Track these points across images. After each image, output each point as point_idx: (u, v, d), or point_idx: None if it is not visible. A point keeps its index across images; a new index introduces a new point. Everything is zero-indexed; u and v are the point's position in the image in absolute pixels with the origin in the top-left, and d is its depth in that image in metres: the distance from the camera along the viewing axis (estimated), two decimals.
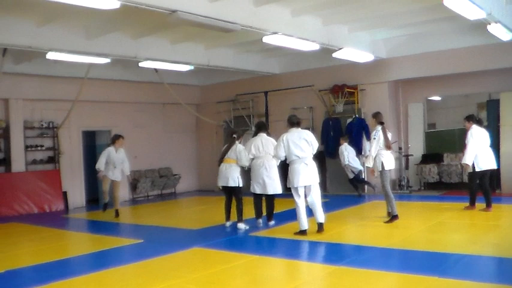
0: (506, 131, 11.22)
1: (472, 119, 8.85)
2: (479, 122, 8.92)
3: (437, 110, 13.31)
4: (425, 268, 5.51)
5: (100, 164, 10.22)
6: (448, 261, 5.73)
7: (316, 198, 7.37)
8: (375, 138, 8.05)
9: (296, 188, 7.32)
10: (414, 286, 4.97)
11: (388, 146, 8.11)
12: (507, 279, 4.87)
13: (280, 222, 8.55)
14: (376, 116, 8.38)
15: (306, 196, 7.42)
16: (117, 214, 10.57)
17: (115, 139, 10.52)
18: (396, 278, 5.20)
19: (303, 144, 7.28)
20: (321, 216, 7.38)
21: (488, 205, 8.65)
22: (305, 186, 7.33)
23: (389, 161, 8.15)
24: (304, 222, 7.34)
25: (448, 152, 12.40)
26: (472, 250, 6.07)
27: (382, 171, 8.07)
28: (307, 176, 7.28)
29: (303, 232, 7.33)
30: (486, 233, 7.28)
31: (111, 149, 10.41)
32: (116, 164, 10.41)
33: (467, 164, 8.56)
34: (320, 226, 7.38)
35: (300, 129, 7.47)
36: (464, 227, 7.83)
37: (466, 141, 8.65)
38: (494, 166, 8.89)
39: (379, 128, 8.15)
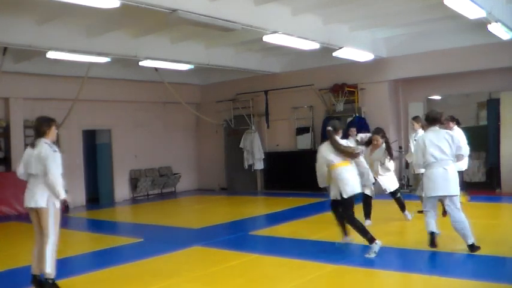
0: (506, 130, 11.21)
1: (453, 119, 8.62)
2: (458, 122, 8.68)
3: (437, 109, 13.26)
4: (425, 267, 5.52)
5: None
6: (448, 260, 5.74)
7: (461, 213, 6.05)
8: None
9: (429, 198, 6.13)
10: (414, 285, 4.98)
11: None
12: (507, 278, 4.88)
13: (280, 222, 8.55)
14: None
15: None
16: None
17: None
18: (396, 277, 5.20)
19: (443, 144, 6.03)
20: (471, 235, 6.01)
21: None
22: (444, 197, 6.06)
23: None
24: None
25: None
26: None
27: None
28: (446, 183, 5.97)
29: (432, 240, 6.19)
30: (486, 232, 7.27)
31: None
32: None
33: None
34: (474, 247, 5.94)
35: (441, 129, 6.41)
36: None
37: None
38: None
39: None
